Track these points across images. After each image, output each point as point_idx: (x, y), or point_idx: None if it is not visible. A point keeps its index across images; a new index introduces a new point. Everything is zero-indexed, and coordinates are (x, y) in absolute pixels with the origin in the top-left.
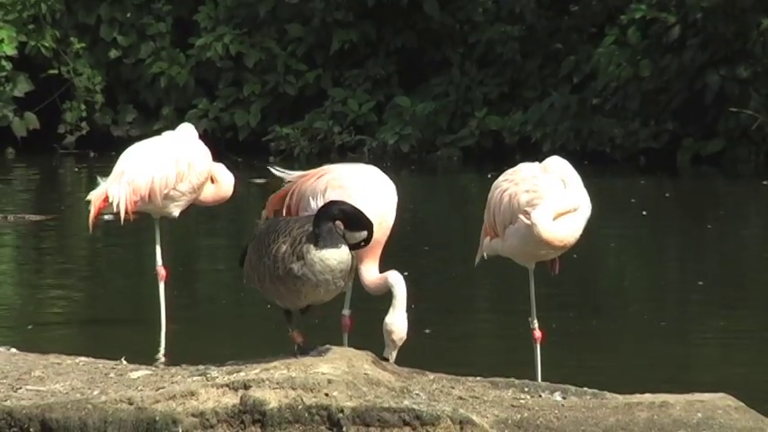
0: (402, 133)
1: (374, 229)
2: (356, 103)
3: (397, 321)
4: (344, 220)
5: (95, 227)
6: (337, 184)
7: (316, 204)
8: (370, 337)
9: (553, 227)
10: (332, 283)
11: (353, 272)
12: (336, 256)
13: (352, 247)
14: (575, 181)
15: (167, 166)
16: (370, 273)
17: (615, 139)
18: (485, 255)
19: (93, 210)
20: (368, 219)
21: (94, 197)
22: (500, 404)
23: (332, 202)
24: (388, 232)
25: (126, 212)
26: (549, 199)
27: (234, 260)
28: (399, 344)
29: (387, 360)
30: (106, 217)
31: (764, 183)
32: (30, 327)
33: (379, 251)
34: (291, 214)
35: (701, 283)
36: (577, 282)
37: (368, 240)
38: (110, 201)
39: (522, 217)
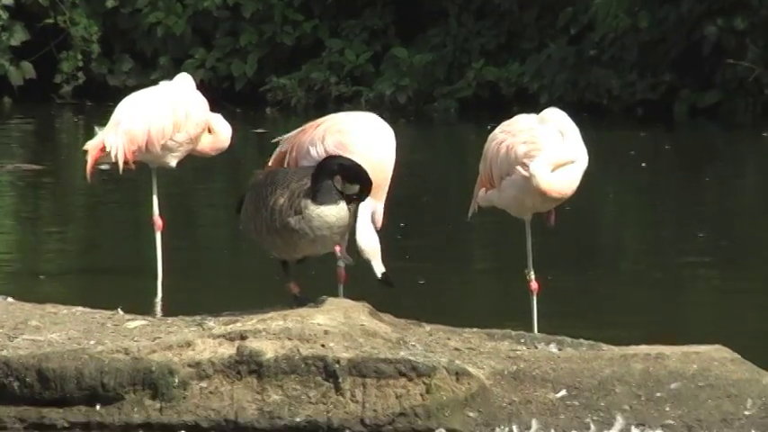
0: (399, 84)
1: (375, 173)
2: (353, 53)
3: (360, 237)
4: (343, 174)
5: (93, 176)
6: (336, 129)
7: (315, 152)
8: (365, 288)
9: (551, 178)
10: (329, 238)
11: (350, 227)
12: (335, 212)
13: (349, 200)
14: (572, 132)
15: (165, 116)
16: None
17: (612, 91)
18: (476, 207)
19: (90, 159)
20: (366, 174)
21: (91, 147)
22: (496, 355)
23: (330, 158)
24: (389, 176)
25: (124, 162)
26: (547, 150)
27: (232, 211)
28: (376, 256)
29: (389, 281)
30: (103, 166)
31: (764, 134)
32: (42, 276)
33: (380, 193)
34: (291, 166)
35: (701, 235)
36: (575, 234)
37: (362, 196)
38: (107, 150)
39: (519, 168)
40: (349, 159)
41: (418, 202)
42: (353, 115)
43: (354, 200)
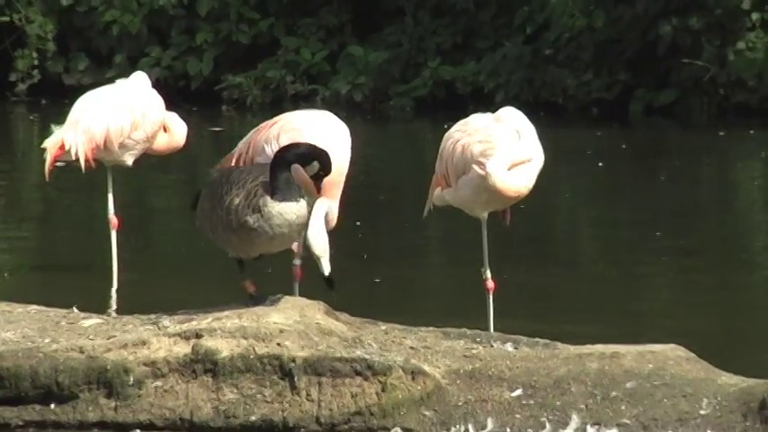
0: (355, 83)
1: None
2: (309, 52)
3: (312, 235)
4: (300, 161)
5: (51, 174)
6: (290, 127)
7: (270, 150)
8: (320, 286)
9: (507, 177)
10: (287, 235)
11: (307, 224)
12: (295, 209)
13: (314, 178)
14: (528, 131)
15: (122, 115)
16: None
17: (568, 90)
18: (431, 206)
19: (49, 157)
20: (321, 150)
21: (50, 144)
22: (452, 354)
23: (284, 148)
24: (344, 173)
25: (86, 160)
26: (503, 149)
27: (188, 209)
28: (325, 254)
29: (331, 282)
30: (59, 164)
31: (721, 133)
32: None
33: (334, 191)
34: (246, 164)
35: (657, 234)
36: (531, 233)
37: (326, 171)
38: (66, 148)
39: (475, 167)
40: (303, 144)
41: (374, 200)
42: (308, 113)
43: (321, 176)
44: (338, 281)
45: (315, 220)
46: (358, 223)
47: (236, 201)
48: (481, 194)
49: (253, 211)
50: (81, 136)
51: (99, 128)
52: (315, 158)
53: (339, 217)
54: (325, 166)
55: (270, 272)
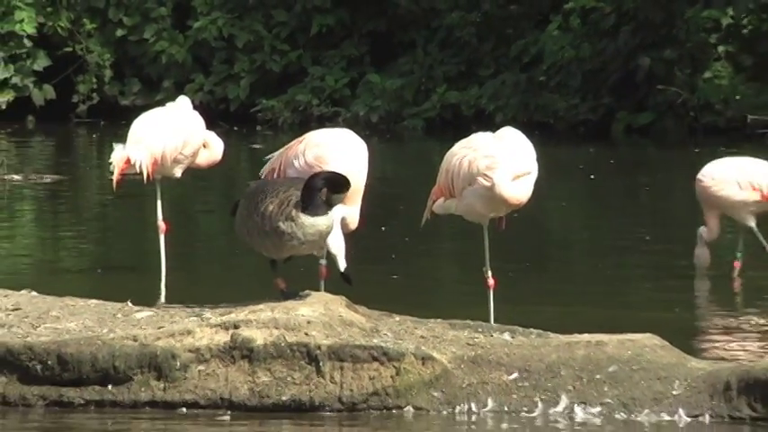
0: (372, 105)
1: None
2: (333, 79)
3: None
4: (328, 187)
5: (119, 185)
6: (314, 144)
7: (298, 163)
8: (343, 284)
9: (512, 187)
10: (316, 242)
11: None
12: (325, 221)
13: (336, 194)
14: (527, 148)
15: (176, 135)
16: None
17: (558, 112)
18: (428, 216)
19: (116, 171)
20: (346, 179)
21: (117, 160)
22: (457, 342)
23: (315, 175)
24: (362, 183)
25: (149, 173)
26: (507, 163)
27: (228, 216)
28: (340, 253)
29: (348, 277)
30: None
31: (695, 150)
32: (61, 273)
33: (354, 198)
34: (279, 176)
35: (644, 237)
36: (528, 237)
37: (345, 193)
38: (132, 163)
39: (480, 179)
40: (329, 172)
41: (394, 208)
42: (329, 131)
43: (341, 200)
44: (359, 278)
45: (332, 234)
46: (383, 228)
47: (271, 208)
48: (486, 202)
49: (285, 218)
50: (144, 153)
51: (159, 146)
52: (340, 190)
53: (364, 222)
54: (345, 186)
55: (302, 270)
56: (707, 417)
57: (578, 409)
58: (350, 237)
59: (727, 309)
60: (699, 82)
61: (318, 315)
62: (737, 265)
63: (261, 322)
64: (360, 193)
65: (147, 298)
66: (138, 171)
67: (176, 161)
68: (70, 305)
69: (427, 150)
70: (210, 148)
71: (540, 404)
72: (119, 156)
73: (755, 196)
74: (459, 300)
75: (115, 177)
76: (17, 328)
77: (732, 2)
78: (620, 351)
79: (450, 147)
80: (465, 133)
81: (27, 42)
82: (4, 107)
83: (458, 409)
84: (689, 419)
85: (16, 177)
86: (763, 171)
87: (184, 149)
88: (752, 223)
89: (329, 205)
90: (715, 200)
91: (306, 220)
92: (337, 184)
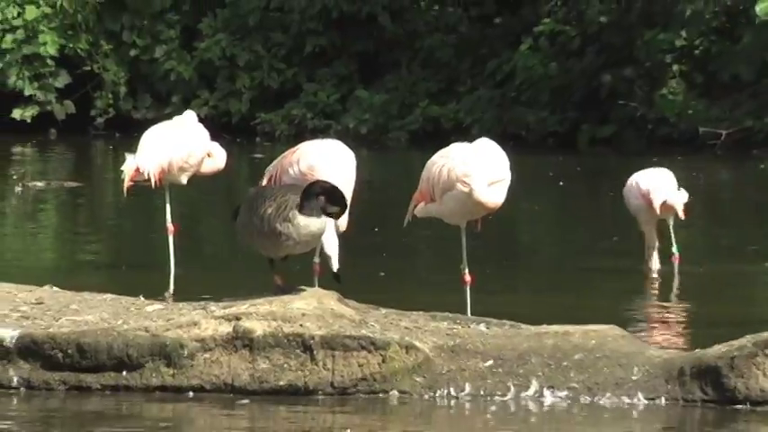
0: (361, 119)
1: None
2: (325, 94)
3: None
4: (326, 196)
5: (129, 192)
6: (307, 153)
7: (293, 171)
8: (334, 280)
9: (488, 192)
10: (310, 242)
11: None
12: (318, 224)
13: (328, 215)
14: (500, 157)
15: (182, 147)
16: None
17: (529, 125)
18: (411, 217)
19: (126, 178)
20: (344, 198)
21: (128, 169)
22: (438, 333)
23: (315, 182)
24: (350, 189)
25: (156, 181)
26: (482, 170)
27: (229, 220)
28: (334, 254)
29: (338, 276)
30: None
31: (654, 159)
32: (79, 270)
33: None
34: (276, 183)
35: (615, 239)
36: (503, 238)
37: (339, 214)
38: (141, 171)
39: (459, 185)
40: (330, 184)
41: (382, 213)
42: (321, 142)
43: (333, 216)
44: (349, 274)
45: (327, 228)
46: (376, 229)
47: (269, 211)
48: (464, 206)
49: (283, 220)
50: (152, 162)
51: (165, 157)
52: (337, 204)
53: (353, 226)
54: (340, 213)
55: (298, 268)
56: (663, 400)
57: (547, 393)
58: (341, 237)
59: (681, 301)
60: (656, 98)
61: (312, 308)
62: (677, 259)
63: (260, 315)
64: (347, 199)
65: (157, 293)
66: (146, 178)
67: (182, 169)
68: (88, 299)
69: (411, 159)
70: (214, 158)
71: (512, 388)
72: (129, 165)
73: (647, 205)
74: (439, 294)
75: (126, 184)
76: (40, 320)
77: (685, 26)
78: (585, 340)
79: (431, 156)
80: (445, 144)
81: (50, 62)
82: (29, 121)
83: (438, 393)
84: (647, 402)
85: (39, 184)
86: (656, 183)
87: (189, 159)
88: (649, 231)
89: (324, 211)
90: (628, 207)
91: (301, 220)
92: (335, 199)
